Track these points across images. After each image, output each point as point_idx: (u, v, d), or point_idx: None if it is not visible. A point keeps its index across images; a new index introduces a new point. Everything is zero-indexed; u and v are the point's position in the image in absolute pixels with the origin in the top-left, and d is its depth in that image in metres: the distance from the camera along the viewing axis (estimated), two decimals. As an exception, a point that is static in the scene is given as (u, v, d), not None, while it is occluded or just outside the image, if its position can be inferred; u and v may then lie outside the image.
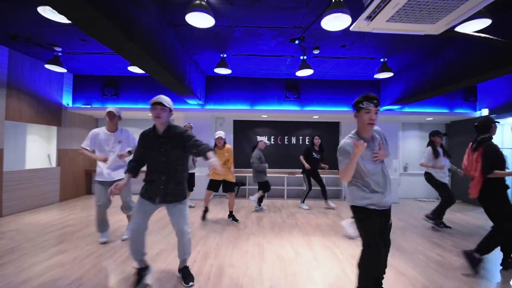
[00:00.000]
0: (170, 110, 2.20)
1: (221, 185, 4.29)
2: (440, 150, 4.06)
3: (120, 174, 3.27)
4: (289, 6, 3.07)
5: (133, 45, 2.78)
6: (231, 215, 4.36)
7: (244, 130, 6.94)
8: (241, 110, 6.07)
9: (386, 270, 2.03)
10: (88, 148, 3.22)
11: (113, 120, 3.22)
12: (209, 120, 6.23)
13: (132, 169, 2.27)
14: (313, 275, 2.53)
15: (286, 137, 6.94)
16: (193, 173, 5.30)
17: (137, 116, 6.69)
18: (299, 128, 6.96)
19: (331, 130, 7.00)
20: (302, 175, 5.56)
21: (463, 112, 6.02)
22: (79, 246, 3.21)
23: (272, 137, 6.93)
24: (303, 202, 5.53)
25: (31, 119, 5.06)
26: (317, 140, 5.45)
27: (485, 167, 2.63)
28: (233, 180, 4.32)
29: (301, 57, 4.60)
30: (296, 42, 4.02)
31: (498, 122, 2.94)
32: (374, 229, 1.86)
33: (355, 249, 3.24)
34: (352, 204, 1.95)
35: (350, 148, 1.85)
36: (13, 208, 4.67)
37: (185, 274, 2.33)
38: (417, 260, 2.93)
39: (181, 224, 2.22)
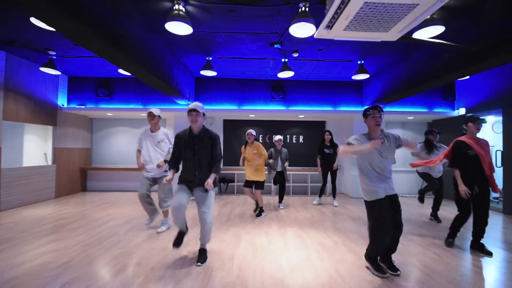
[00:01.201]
0: (204, 114, 2.69)
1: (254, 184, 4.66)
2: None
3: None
4: (263, 14, 3.33)
5: (117, 51, 3.04)
6: (260, 210, 4.65)
7: (233, 129, 7.21)
8: (229, 110, 6.33)
9: (350, 255, 2.56)
10: (139, 147, 3.72)
11: (154, 120, 3.62)
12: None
13: (175, 166, 2.78)
14: (280, 259, 2.80)
15: (274, 135, 7.19)
16: None
17: (130, 116, 6.97)
18: (287, 127, 7.23)
19: (317, 129, 7.27)
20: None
21: (442, 112, 6.28)
22: (69, 236, 3.48)
23: (260, 135, 7.20)
24: (320, 197, 5.72)
25: (27, 119, 5.33)
26: (327, 136, 5.48)
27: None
28: (261, 179, 4.61)
29: (283, 60, 4.87)
30: (276, 46, 4.29)
31: (484, 121, 3.17)
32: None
33: (325, 238, 3.51)
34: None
35: (355, 142, 2.42)
36: (10, 203, 4.94)
37: (200, 254, 2.76)
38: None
39: (203, 212, 2.66)
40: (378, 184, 2.42)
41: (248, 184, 4.67)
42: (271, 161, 5.03)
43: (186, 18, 3.01)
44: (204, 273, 2.48)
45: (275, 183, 5.41)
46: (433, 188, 4.39)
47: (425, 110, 6.31)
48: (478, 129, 3.10)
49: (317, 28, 2.87)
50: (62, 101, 6.22)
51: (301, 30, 3.10)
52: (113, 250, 3.00)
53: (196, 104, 2.62)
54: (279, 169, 5.20)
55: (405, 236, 3.59)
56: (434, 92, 6.30)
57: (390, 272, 2.49)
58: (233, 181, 6.87)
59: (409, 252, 3.05)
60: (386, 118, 6.89)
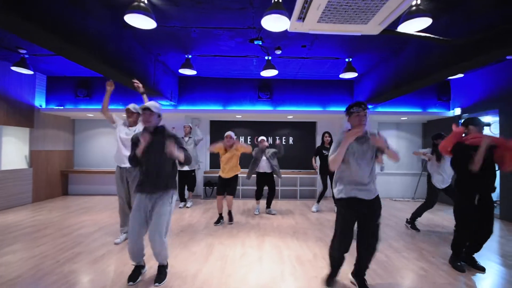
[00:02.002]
0: (159, 115, 2.41)
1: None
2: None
3: None
4: (235, 7, 3.06)
5: (73, 48, 2.78)
6: (229, 214, 4.44)
7: (220, 131, 6.93)
8: (214, 110, 6.07)
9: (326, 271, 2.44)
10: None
11: (132, 116, 3.39)
12: (182, 121, 6.23)
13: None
14: (249, 277, 2.53)
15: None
16: (194, 171, 5.46)
17: (112, 117, 6.70)
18: (276, 128, 6.96)
19: (307, 130, 6.99)
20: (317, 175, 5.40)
21: (436, 112, 6.00)
22: (31, 247, 3.23)
23: (249, 137, 6.93)
24: (318, 202, 5.33)
25: (1, 121, 5.07)
26: (327, 138, 5.14)
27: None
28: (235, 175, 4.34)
29: (266, 58, 4.60)
30: (256, 42, 4.02)
31: (488, 125, 2.81)
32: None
33: (305, 250, 3.24)
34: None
35: (341, 138, 2.13)
36: (-21, 209, 4.69)
37: (158, 272, 2.48)
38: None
39: (152, 231, 2.34)
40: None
41: (222, 187, 4.28)
42: (253, 152, 4.77)
43: (148, 10, 2.74)
44: (158, 293, 2.22)
45: (257, 197, 4.99)
46: (429, 206, 3.94)
47: (419, 110, 6.03)
48: (481, 133, 2.77)
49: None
50: (40, 101, 5.97)
51: (275, 23, 2.83)
52: (69, 265, 2.73)
53: (151, 104, 2.35)
54: (261, 170, 4.88)
55: (391, 246, 3.32)
56: (428, 91, 6.01)
57: None
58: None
59: (393, 267, 2.78)
60: (379, 119, 6.61)
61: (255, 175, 5.02)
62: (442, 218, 4.87)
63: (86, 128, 6.99)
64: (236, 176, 4.33)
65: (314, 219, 4.73)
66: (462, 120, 2.95)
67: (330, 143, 5.11)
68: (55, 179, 6.39)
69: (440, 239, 3.66)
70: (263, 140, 4.91)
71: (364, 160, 2.15)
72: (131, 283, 2.35)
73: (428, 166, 4.04)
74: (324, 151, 5.08)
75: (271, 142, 6.83)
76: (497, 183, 5.22)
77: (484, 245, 2.77)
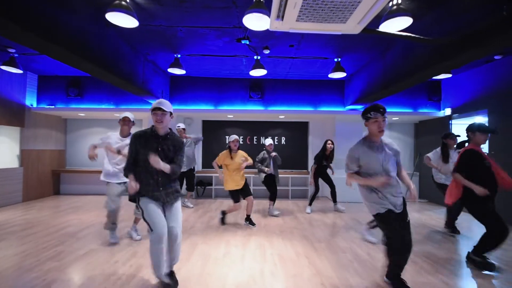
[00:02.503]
0: (171, 114, 2.24)
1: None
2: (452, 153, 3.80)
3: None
4: (218, 6, 3.07)
5: (56, 47, 2.79)
6: (248, 219, 4.22)
7: (213, 130, 6.94)
8: (205, 110, 6.08)
9: (307, 269, 2.59)
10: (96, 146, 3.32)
11: (128, 125, 3.30)
12: (175, 121, 6.22)
13: (132, 169, 2.23)
14: (228, 275, 2.53)
15: (255, 137, 6.95)
16: (193, 169, 5.42)
17: (102, 117, 6.70)
18: (268, 128, 6.96)
19: (300, 130, 7.00)
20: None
21: (427, 112, 6.01)
22: (15, 245, 3.24)
23: (241, 137, 6.93)
24: (310, 205, 5.17)
25: (-10, 119, 5.07)
26: (330, 146, 4.90)
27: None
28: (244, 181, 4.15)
29: (255, 57, 4.61)
30: (243, 42, 4.02)
31: (496, 133, 2.79)
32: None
33: (288, 249, 3.24)
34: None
35: (358, 155, 2.09)
36: (-33, 208, 4.68)
37: (172, 277, 2.29)
38: (344, 259, 2.92)
39: (173, 227, 2.21)
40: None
41: (237, 195, 4.07)
42: (266, 169, 4.61)
43: (129, 9, 2.75)
44: (134, 292, 2.21)
45: (274, 197, 4.92)
46: (459, 211, 3.81)
47: (410, 110, 6.04)
48: (486, 138, 2.75)
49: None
50: (31, 101, 5.97)
51: (257, 22, 2.84)
52: (49, 263, 2.73)
53: (161, 102, 2.16)
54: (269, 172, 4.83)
55: (375, 245, 3.31)
56: (419, 92, 6.03)
57: None
58: (211, 185, 6.59)
59: (373, 265, 2.77)
60: (370, 119, 6.61)
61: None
62: (430, 217, 4.87)
63: (78, 127, 6.99)
64: (246, 184, 4.17)
65: (303, 218, 4.73)
66: (468, 125, 2.92)
67: (332, 151, 5.00)
68: (46, 179, 6.38)
69: (424, 238, 3.66)
70: (271, 144, 4.76)
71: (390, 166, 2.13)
72: None
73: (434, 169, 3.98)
74: (324, 162, 4.96)
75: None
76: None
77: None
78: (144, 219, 2.13)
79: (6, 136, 5.70)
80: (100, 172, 6.58)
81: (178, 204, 2.31)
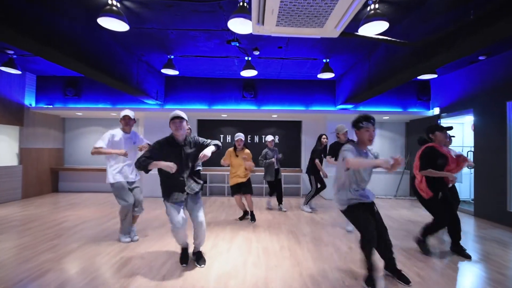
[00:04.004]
0: (186, 121, 2.57)
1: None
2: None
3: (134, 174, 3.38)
4: (205, 9, 3.21)
5: (51, 50, 2.94)
6: (251, 214, 4.40)
7: (208, 129, 7.09)
8: (200, 110, 6.22)
9: (288, 261, 2.78)
10: (104, 147, 3.17)
11: (130, 124, 3.31)
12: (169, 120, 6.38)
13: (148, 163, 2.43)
14: (212, 266, 2.68)
15: (249, 136, 7.09)
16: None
17: (99, 116, 6.87)
18: (262, 127, 7.11)
19: (293, 129, 7.14)
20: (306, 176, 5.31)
21: (416, 111, 6.14)
22: (14, 238, 3.43)
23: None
24: (307, 204, 5.12)
25: (-11, 119, 5.24)
26: (324, 140, 4.95)
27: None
28: (247, 178, 4.33)
29: (246, 58, 4.75)
30: (233, 44, 4.16)
31: (450, 128, 3.03)
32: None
33: (273, 242, 3.39)
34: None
35: (354, 149, 2.17)
36: (-32, 205, 4.85)
37: (198, 256, 2.75)
38: (325, 252, 3.07)
39: (198, 216, 2.63)
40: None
41: (237, 189, 4.27)
42: (272, 160, 4.91)
43: (120, 13, 2.89)
44: (124, 279, 2.37)
45: (271, 194, 5.23)
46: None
47: (400, 110, 6.17)
48: (447, 137, 3.03)
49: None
50: (29, 100, 6.13)
51: (241, 26, 2.98)
52: (45, 255, 2.89)
53: (178, 112, 2.51)
54: (276, 166, 5.03)
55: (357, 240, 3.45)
56: (408, 91, 6.16)
57: None
58: (206, 182, 6.75)
59: (352, 258, 2.91)
60: (362, 118, 6.74)
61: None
62: (417, 214, 5.01)
63: (76, 126, 7.15)
64: (249, 178, 4.36)
65: (292, 214, 4.88)
66: (429, 127, 3.14)
67: (326, 146, 5.01)
68: (45, 176, 6.55)
69: (408, 233, 3.80)
70: (272, 140, 5.09)
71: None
72: (184, 265, 2.66)
73: None
74: (322, 155, 4.96)
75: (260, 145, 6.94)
76: (471, 184, 5.39)
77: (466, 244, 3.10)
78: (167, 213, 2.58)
79: (6, 135, 5.87)
80: (98, 170, 6.64)
81: (199, 194, 2.70)
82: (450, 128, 3.07)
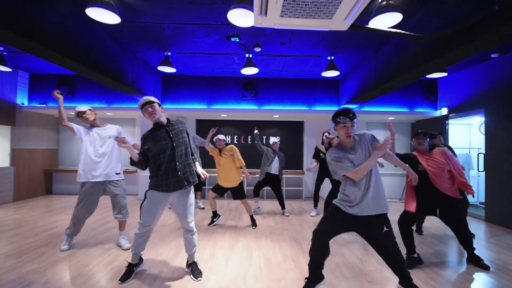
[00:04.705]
0: (159, 104, 2.34)
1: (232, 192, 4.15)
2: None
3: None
4: (203, 2, 2.99)
5: (35, 45, 2.72)
6: (251, 219, 4.18)
7: (207, 130, 6.84)
8: (199, 109, 6.00)
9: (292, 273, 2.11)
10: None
11: (92, 118, 3.16)
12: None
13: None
14: (210, 279, 2.46)
15: (249, 136, 6.86)
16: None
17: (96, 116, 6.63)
18: (263, 127, 6.87)
19: (295, 129, 6.92)
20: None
21: (423, 112, 5.91)
22: (-4, 247, 3.18)
23: (235, 136, 6.86)
24: (316, 206, 5.02)
25: (-21, 118, 5.02)
26: (325, 138, 4.68)
27: None
28: (238, 183, 4.09)
29: (247, 55, 4.53)
30: (233, 39, 3.94)
31: (424, 134, 2.90)
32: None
33: (276, 251, 3.17)
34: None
35: (338, 155, 2.00)
36: (-45, 208, 4.62)
37: (194, 268, 2.52)
38: (332, 263, 2.84)
39: (188, 222, 2.43)
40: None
41: (221, 191, 4.11)
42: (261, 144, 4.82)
43: (110, 4, 2.67)
44: (111, 296, 2.15)
45: (256, 194, 4.97)
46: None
47: (406, 110, 5.95)
48: (420, 143, 2.86)
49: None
50: (22, 99, 5.91)
51: (242, 18, 2.77)
52: (30, 265, 2.67)
53: (146, 98, 2.26)
54: (272, 171, 4.83)
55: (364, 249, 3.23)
56: (415, 91, 5.93)
57: None
58: (204, 184, 6.52)
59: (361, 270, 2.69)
60: (366, 118, 6.52)
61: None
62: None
63: (71, 126, 6.92)
64: (241, 183, 4.10)
65: (295, 220, 4.65)
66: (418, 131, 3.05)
67: (328, 142, 4.73)
68: (38, 178, 6.33)
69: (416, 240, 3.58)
70: (275, 142, 4.91)
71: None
72: (121, 282, 2.33)
73: None
74: (321, 154, 4.73)
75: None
76: (482, 187, 5.16)
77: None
78: (140, 207, 2.34)
79: (-2, 135, 5.66)
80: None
81: (191, 197, 2.41)
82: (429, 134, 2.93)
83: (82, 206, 3.07)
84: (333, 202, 2.13)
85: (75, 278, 2.43)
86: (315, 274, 2.17)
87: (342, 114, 2.00)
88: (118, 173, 3.20)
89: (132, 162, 2.24)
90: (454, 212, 2.72)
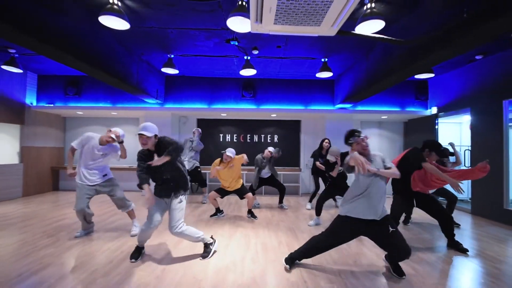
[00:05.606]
0: (155, 136, 2.61)
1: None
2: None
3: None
4: (204, 9, 3.26)
5: (49, 47, 2.99)
6: (249, 212, 4.46)
7: (208, 129, 7.13)
8: (199, 109, 6.27)
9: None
10: (74, 147, 3.50)
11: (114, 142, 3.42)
12: (168, 119, 6.44)
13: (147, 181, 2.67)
14: (211, 260, 2.72)
15: (248, 135, 7.13)
16: (199, 167, 5.55)
17: (100, 115, 6.91)
18: (261, 126, 7.15)
19: (292, 128, 7.18)
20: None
21: (414, 111, 6.18)
22: (13, 234, 3.45)
23: (235, 135, 7.13)
24: (311, 201, 5.29)
25: (-9, 117, 5.28)
26: (326, 144, 4.91)
27: None
28: (240, 185, 4.42)
29: (245, 57, 4.80)
30: (232, 43, 4.21)
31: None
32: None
33: (272, 238, 3.42)
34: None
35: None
36: (-31, 202, 4.88)
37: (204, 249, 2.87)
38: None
39: (173, 226, 2.67)
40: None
41: (222, 192, 4.40)
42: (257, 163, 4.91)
43: (120, 12, 2.94)
44: (123, 272, 2.40)
45: (253, 192, 5.09)
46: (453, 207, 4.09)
47: (398, 109, 6.21)
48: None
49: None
50: (31, 99, 6.18)
51: (240, 24, 3.03)
52: (44, 250, 2.92)
53: (145, 126, 2.53)
54: (264, 176, 5.07)
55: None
56: (407, 91, 6.20)
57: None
58: (204, 185, 6.75)
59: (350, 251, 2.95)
60: (360, 118, 6.79)
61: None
62: (416, 212, 5.04)
63: (76, 125, 7.20)
64: (242, 186, 4.44)
65: (291, 212, 4.91)
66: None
67: (327, 151, 4.89)
68: (46, 175, 6.59)
69: (405, 229, 3.83)
70: (270, 152, 4.97)
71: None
72: (133, 260, 2.66)
73: None
74: (320, 159, 4.91)
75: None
76: (468, 183, 5.43)
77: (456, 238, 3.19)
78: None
79: (7, 134, 5.91)
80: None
81: (178, 203, 2.69)
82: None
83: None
84: (339, 214, 2.45)
85: (89, 260, 2.68)
86: (301, 258, 2.53)
87: (350, 136, 2.36)
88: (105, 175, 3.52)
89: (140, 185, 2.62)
90: (429, 203, 3.11)
